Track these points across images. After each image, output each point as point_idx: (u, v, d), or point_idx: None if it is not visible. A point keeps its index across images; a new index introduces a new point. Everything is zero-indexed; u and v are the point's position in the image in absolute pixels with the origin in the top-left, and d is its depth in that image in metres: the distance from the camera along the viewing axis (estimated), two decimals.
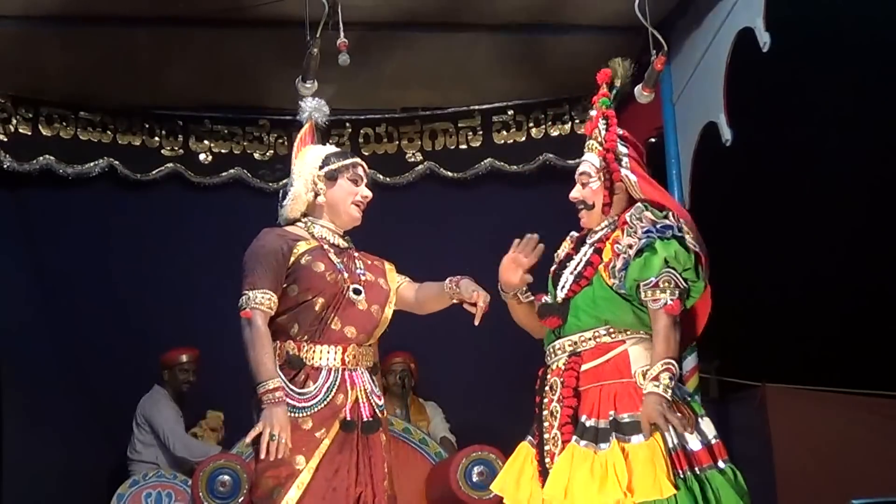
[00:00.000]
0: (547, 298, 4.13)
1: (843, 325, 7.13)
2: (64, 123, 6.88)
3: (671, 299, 3.78)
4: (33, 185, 6.97)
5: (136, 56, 6.55)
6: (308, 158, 4.28)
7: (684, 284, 3.82)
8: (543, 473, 3.88)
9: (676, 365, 3.75)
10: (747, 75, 5.68)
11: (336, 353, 4.06)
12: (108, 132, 6.99)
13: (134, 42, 6.43)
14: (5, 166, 6.72)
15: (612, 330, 3.89)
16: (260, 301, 4.01)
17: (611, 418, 3.77)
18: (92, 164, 6.94)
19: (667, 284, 3.79)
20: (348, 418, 4.01)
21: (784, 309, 7.08)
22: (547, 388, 3.98)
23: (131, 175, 7.05)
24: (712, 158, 6.00)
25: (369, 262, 4.28)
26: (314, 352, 4.05)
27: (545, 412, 3.95)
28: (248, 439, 4.00)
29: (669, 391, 3.70)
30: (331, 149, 4.35)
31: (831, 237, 6.96)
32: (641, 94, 5.62)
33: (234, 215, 7.18)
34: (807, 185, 6.93)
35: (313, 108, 4.43)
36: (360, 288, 4.13)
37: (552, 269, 4.17)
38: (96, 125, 6.96)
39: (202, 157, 7.21)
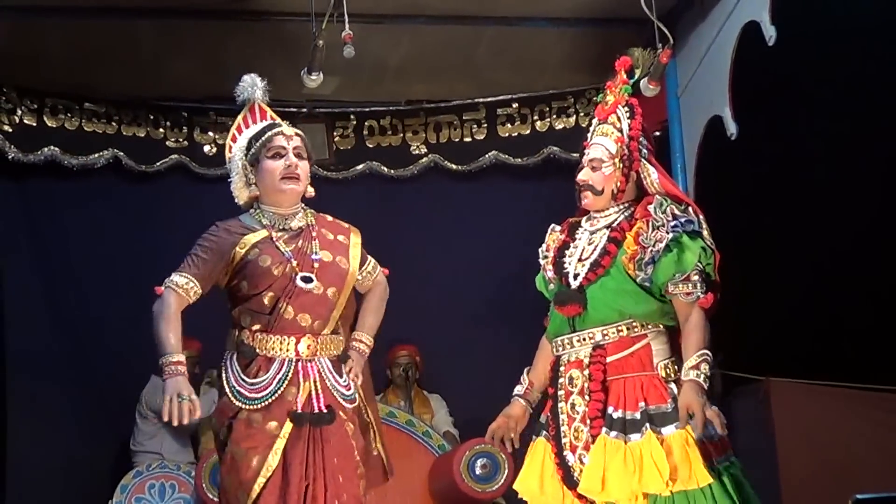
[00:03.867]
0: (552, 287, 4.13)
1: (847, 320, 7.11)
2: (69, 114, 6.88)
3: (702, 293, 3.83)
4: (38, 176, 6.97)
5: (141, 47, 6.55)
6: (235, 148, 4.22)
7: (710, 278, 3.87)
8: (562, 466, 3.89)
9: (711, 356, 3.80)
10: (753, 69, 5.67)
11: (290, 343, 3.98)
12: (113, 123, 6.99)
13: (139, 33, 6.43)
14: (10, 157, 6.73)
15: (634, 324, 3.90)
16: (179, 283, 3.98)
17: (641, 409, 3.78)
18: (97, 155, 6.94)
19: (697, 278, 3.83)
20: (299, 411, 3.93)
21: (788, 303, 7.06)
22: (563, 380, 3.97)
23: (136, 166, 7.05)
24: (717, 152, 5.99)
25: (331, 238, 4.15)
26: (267, 342, 3.99)
27: (561, 404, 3.95)
28: (165, 416, 3.84)
29: (708, 382, 3.76)
30: (255, 129, 4.21)
31: (837, 231, 6.94)
32: (647, 87, 5.61)
33: (238, 206, 7.17)
34: (812, 179, 6.91)
35: (248, 85, 4.31)
36: (311, 276, 4.01)
37: (548, 259, 4.16)
38: (101, 116, 6.96)
39: (206, 148, 7.21)
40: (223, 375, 4.02)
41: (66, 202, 7.14)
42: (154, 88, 7.03)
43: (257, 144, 4.12)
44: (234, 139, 4.28)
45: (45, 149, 6.80)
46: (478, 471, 5.93)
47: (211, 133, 7.20)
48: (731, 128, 5.60)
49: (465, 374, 7.24)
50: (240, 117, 4.33)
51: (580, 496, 3.85)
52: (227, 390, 3.97)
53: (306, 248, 4.07)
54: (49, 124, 6.84)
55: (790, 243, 6.99)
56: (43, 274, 7.14)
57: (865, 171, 6.85)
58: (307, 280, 4.00)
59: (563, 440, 3.91)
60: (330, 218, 4.26)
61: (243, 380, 3.95)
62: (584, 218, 4.15)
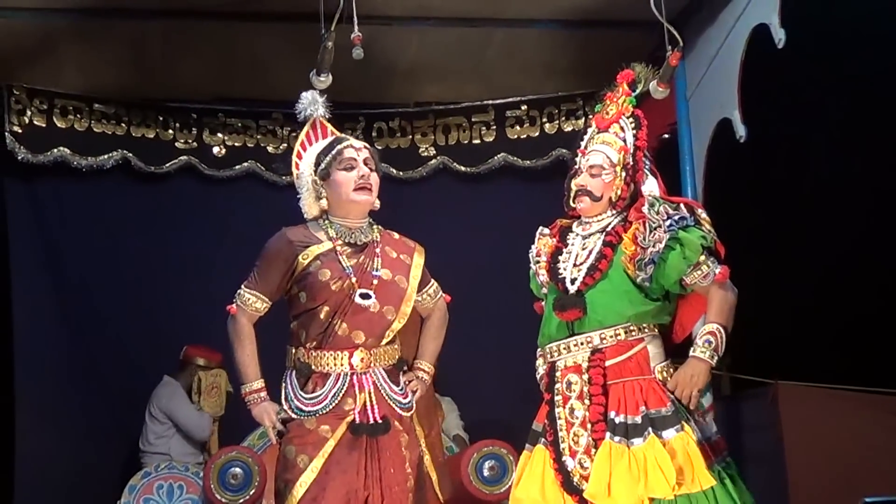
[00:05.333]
0: (544, 292, 4.15)
1: (856, 323, 7.10)
2: (78, 115, 6.90)
3: (716, 269, 3.88)
4: (47, 177, 6.99)
5: (151, 49, 6.57)
6: (304, 165, 4.27)
7: (718, 254, 3.94)
8: (562, 471, 3.89)
9: (722, 329, 3.87)
10: (762, 72, 5.67)
11: (343, 358, 4.05)
12: (122, 124, 7.01)
13: (148, 35, 6.45)
14: (20, 158, 6.75)
15: (632, 327, 3.92)
16: (247, 300, 4.12)
17: (642, 413, 3.79)
18: (106, 156, 6.97)
19: (705, 258, 3.88)
20: (357, 421, 4.02)
21: (797, 306, 7.06)
22: (560, 385, 3.97)
23: (145, 167, 7.08)
24: (726, 155, 5.98)
25: (394, 256, 4.22)
26: (321, 358, 4.06)
27: (559, 410, 3.96)
28: (274, 440, 4.11)
29: (715, 358, 3.86)
30: (322, 145, 4.27)
31: (846, 234, 6.94)
32: (656, 89, 5.59)
33: (247, 208, 7.20)
34: (821, 181, 6.91)
35: (309, 103, 4.38)
36: (369, 293, 4.08)
37: (541, 264, 4.17)
38: (110, 117, 6.98)
39: (216, 150, 7.23)
40: (283, 391, 4.12)
41: (75, 203, 7.15)
42: (163, 89, 7.05)
43: (327, 158, 4.18)
44: (299, 156, 4.34)
45: (55, 149, 6.83)
46: (485, 472, 5.92)
47: (220, 134, 7.22)
48: (741, 130, 5.59)
49: (474, 377, 7.23)
50: (303, 134, 4.38)
51: (580, 501, 3.86)
52: (286, 405, 4.08)
53: (367, 264, 4.13)
54: (58, 125, 6.86)
55: (799, 246, 6.98)
56: (52, 274, 7.14)
57: (875, 173, 6.84)
58: (365, 297, 4.07)
59: (562, 445, 3.92)
60: (397, 235, 4.32)
61: (301, 395, 4.06)
62: (576, 223, 4.17)
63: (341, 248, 4.12)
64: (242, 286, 4.16)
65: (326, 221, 4.19)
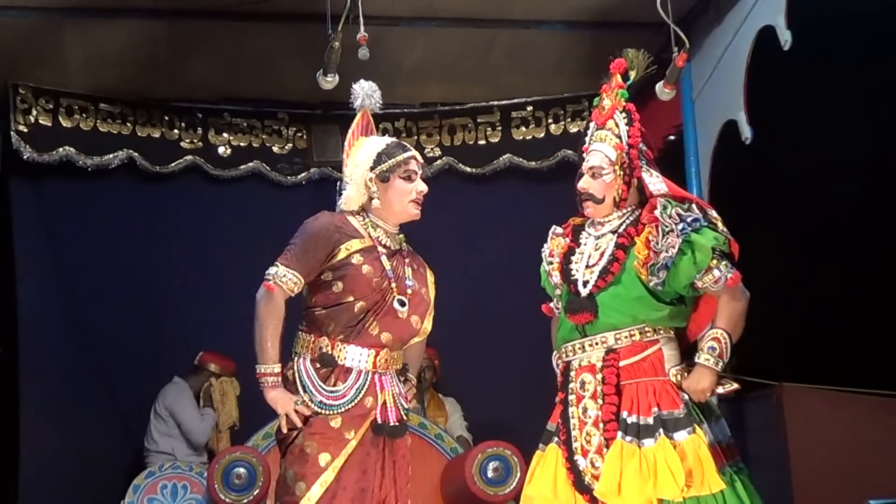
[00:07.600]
0: (558, 293, 4.13)
1: (861, 325, 7.09)
2: (84, 115, 6.91)
3: (728, 274, 3.84)
4: (53, 176, 7.00)
5: (157, 48, 6.57)
6: (360, 157, 4.17)
7: (731, 257, 3.90)
8: (573, 470, 3.89)
9: (726, 335, 3.86)
10: (768, 73, 5.66)
11: (368, 355, 4.03)
12: (128, 124, 7.02)
13: (154, 34, 6.45)
14: (26, 157, 6.75)
15: (646, 329, 3.90)
16: (287, 279, 3.99)
17: (654, 415, 3.78)
18: (111, 155, 6.97)
19: (717, 262, 3.84)
20: (379, 421, 4.01)
21: (802, 307, 7.04)
22: (574, 384, 3.96)
23: (150, 167, 7.08)
24: (732, 156, 5.98)
25: (416, 268, 4.22)
26: (346, 352, 4.02)
27: (572, 409, 3.95)
28: (285, 429, 4.02)
29: (720, 364, 3.84)
30: (381, 144, 4.20)
31: (851, 235, 6.93)
32: (663, 91, 5.60)
33: (252, 208, 7.21)
34: (826, 183, 6.90)
35: (366, 93, 4.32)
36: (405, 300, 4.08)
37: (554, 265, 4.15)
38: (116, 117, 6.99)
39: (221, 149, 7.23)
40: (297, 379, 4.04)
41: (80, 202, 7.17)
42: (169, 89, 7.05)
43: (391, 162, 4.13)
44: (350, 144, 4.27)
45: (60, 149, 6.83)
46: (490, 474, 5.92)
47: (225, 134, 7.23)
48: (746, 132, 5.59)
49: (478, 377, 7.24)
50: (354, 124, 4.32)
51: (591, 500, 3.86)
52: (306, 396, 4.01)
53: (401, 271, 4.13)
54: (64, 124, 6.86)
55: (805, 248, 6.97)
56: (57, 273, 7.15)
57: (881, 175, 6.83)
58: (402, 303, 4.08)
59: (574, 444, 3.91)
60: (411, 248, 4.31)
61: (322, 387, 4.00)
62: (588, 222, 4.14)
63: (381, 249, 4.11)
64: (279, 264, 4.01)
65: (368, 219, 4.16)
